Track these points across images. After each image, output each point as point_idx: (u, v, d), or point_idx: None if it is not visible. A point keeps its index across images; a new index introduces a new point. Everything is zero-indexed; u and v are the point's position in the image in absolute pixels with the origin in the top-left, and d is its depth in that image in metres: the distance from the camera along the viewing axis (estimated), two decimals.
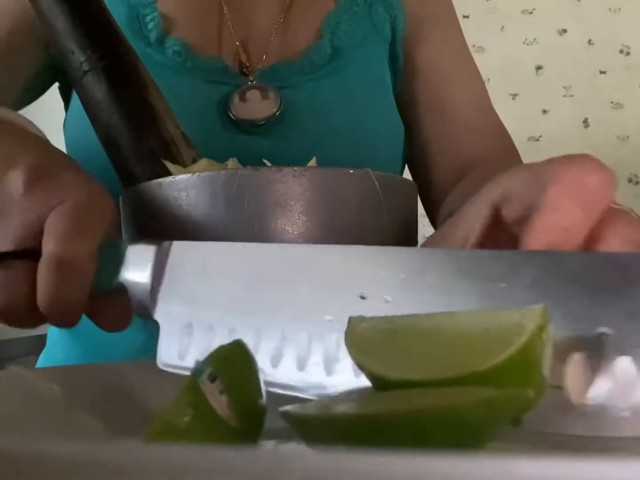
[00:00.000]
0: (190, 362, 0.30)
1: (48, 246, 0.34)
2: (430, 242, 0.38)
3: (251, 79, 0.62)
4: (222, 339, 0.29)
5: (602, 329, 0.24)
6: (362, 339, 0.26)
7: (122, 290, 0.34)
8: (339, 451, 0.11)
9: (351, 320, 0.26)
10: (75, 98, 0.62)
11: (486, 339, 0.23)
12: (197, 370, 0.23)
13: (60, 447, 0.13)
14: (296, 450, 0.11)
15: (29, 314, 0.35)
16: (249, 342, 0.26)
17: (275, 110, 0.60)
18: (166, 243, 0.34)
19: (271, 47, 0.64)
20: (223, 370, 0.23)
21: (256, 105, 0.60)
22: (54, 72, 0.65)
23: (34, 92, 0.66)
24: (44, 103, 0.69)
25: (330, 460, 0.11)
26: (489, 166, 0.61)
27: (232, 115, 0.60)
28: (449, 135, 0.66)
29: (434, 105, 0.67)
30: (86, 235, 0.34)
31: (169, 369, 0.31)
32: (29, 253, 0.34)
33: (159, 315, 0.33)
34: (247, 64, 0.63)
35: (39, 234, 0.34)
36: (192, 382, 0.23)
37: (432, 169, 0.67)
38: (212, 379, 0.23)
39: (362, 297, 0.28)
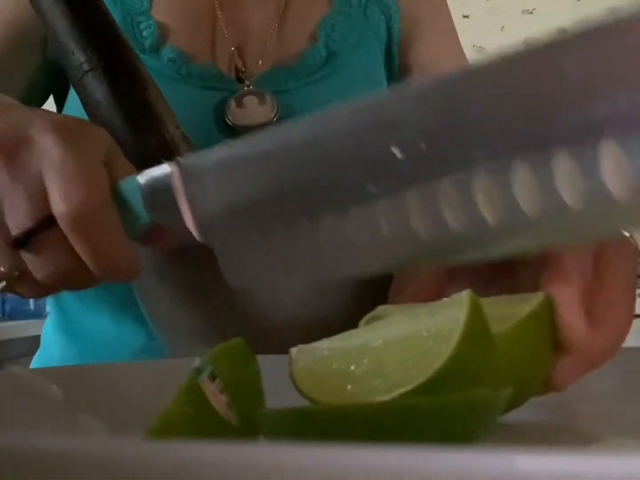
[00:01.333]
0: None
1: (58, 211, 0.32)
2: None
3: (247, 84, 0.62)
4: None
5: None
6: (305, 372, 0.25)
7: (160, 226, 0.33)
8: (337, 447, 0.11)
9: (291, 354, 0.26)
10: (69, 102, 0.62)
11: (423, 345, 0.23)
12: (197, 369, 0.23)
13: (60, 443, 0.13)
14: (296, 448, 0.11)
15: (88, 275, 0.33)
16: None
17: (273, 115, 0.60)
18: (172, 163, 0.32)
19: (266, 52, 0.64)
20: (223, 369, 0.23)
21: (253, 111, 0.60)
22: (50, 80, 0.65)
23: (33, 101, 0.66)
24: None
25: (329, 456, 0.11)
26: None
27: (229, 121, 0.59)
28: None
29: None
30: (89, 182, 0.32)
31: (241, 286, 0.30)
32: (52, 220, 0.32)
33: (206, 239, 0.31)
34: (243, 69, 0.63)
35: (46, 196, 0.32)
36: (192, 382, 0.23)
37: None
38: (212, 378, 0.23)
39: None
